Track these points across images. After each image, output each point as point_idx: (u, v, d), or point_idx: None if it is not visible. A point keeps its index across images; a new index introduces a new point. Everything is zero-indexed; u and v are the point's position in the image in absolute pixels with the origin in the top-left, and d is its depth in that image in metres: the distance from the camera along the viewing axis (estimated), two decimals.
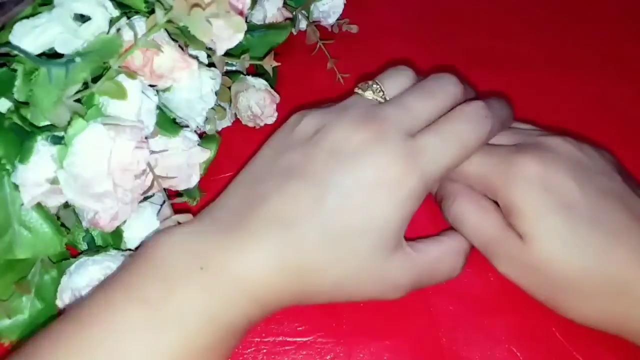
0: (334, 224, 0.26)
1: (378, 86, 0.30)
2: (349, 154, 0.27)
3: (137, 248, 0.30)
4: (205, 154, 0.32)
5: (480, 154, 0.30)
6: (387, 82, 0.31)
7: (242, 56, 0.37)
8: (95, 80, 0.27)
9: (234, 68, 0.38)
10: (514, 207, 0.28)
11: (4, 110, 0.28)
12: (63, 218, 0.30)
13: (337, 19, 0.45)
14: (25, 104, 0.27)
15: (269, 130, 0.39)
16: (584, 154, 0.30)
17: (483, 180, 0.30)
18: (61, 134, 0.26)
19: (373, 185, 0.26)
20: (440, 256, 0.29)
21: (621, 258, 0.26)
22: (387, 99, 0.30)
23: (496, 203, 0.30)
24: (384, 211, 0.26)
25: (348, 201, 0.26)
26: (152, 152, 0.29)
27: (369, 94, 0.30)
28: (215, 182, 0.36)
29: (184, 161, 0.31)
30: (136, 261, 0.26)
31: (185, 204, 0.34)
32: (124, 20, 0.28)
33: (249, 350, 0.29)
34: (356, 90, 0.31)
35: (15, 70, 0.27)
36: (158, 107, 0.30)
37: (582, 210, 0.27)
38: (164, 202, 0.29)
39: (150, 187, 0.29)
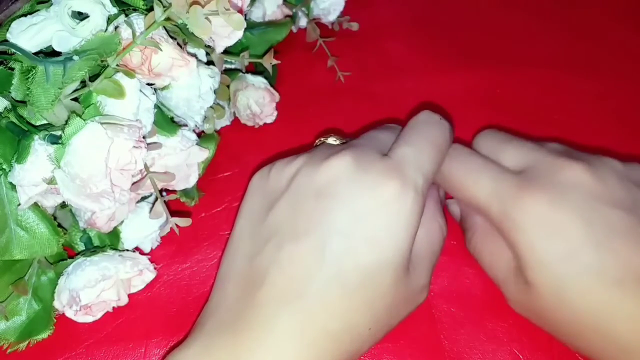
0: (348, 269, 0.24)
1: (338, 135, 0.31)
2: (335, 190, 0.26)
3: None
4: (203, 154, 0.32)
5: (490, 179, 0.29)
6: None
7: (242, 54, 0.37)
8: (93, 78, 0.26)
9: (233, 66, 0.38)
10: (519, 254, 0.27)
11: (0, 109, 0.28)
12: (60, 218, 0.30)
13: (338, 17, 0.45)
14: (23, 102, 0.27)
15: (268, 130, 0.39)
16: (601, 185, 0.27)
17: (490, 214, 0.29)
18: (58, 133, 0.26)
19: (373, 210, 0.25)
20: (424, 229, 0.28)
21: (626, 311, 0.25)
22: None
23: None
24: (392, 236, 0.25)
25: (353, 240, 0.25)
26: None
27: (331, 140, 0.30)
28: (214, 181, 0.36)
29: (182, 161, 0.31)
30: None
31: (184, 204, 0.34)
32: (122, 17, 0.28)
33: None
34: (317, 142, 0.31)
35: (12, 69, 0.27)
36: (156, 106, 0.29)
37: (587, 256, 0.25)
38: (156, 199, 0.29)
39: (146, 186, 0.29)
